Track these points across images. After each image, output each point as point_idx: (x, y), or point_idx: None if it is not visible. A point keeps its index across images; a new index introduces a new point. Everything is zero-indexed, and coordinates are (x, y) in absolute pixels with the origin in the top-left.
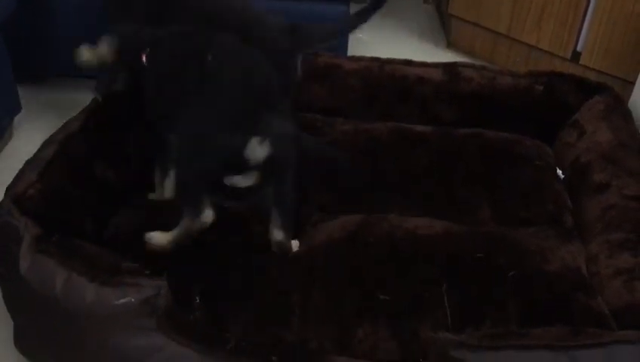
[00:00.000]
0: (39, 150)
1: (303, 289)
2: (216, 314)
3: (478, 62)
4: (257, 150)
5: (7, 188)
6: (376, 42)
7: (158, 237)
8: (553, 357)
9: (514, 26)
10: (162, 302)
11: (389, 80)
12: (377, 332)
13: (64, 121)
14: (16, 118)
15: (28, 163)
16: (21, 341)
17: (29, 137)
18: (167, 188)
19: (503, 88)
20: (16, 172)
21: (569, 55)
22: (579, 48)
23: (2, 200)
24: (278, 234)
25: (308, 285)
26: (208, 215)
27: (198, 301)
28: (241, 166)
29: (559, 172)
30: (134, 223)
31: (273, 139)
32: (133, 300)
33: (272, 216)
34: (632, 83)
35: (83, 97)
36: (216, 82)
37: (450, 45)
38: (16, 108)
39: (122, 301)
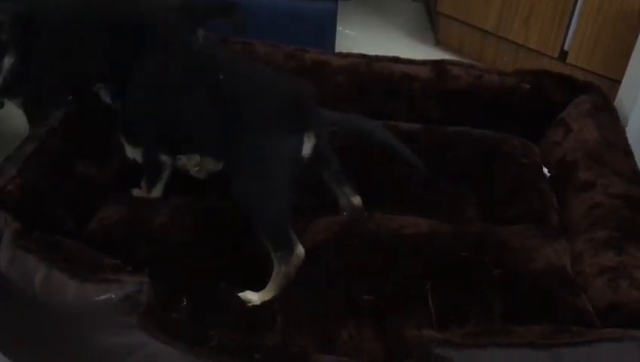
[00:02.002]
0: (19, 146)
1: (286, 291)
2: (199, 316)
3: (466, 60)
4: (307, 145)
5: None
6: (364, 39)
7: (254, 296)
8: (536, 355)
9: (502, 25)
10: (144, 298)
11: (376, 77)
12: (361, 333)
13: None
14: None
15: (7, 159)
16: (1, 340)
17: (12, 132)
18: (157, 188)
19: (491, 86)
20: None
21: (557, 54)
22: (566, 47)
23: None
24: (356, 199)
25: (290, 287)
26: (301, 248)
27: (185, 303)
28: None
29: (545, 170)
30: (116, 219)
31: (317, 128)
32: (114, 296)
33: (341, 188)
34: (619, 82)
35: None
36: (245, 100)
37: (439, 43)
38: None
39: (103, 297)
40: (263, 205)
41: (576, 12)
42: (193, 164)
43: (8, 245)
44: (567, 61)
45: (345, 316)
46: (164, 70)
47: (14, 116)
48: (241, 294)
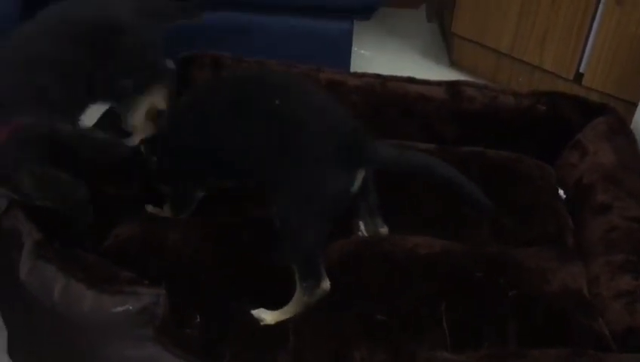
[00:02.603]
0: None
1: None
2: (211, 333)
3: (480, 81)
4: (357, 181)
5: None
6: (379, 58)
7: (267, 315)
8: None
9: (517, 46)
10: (160, 311)
11: (391, 97)
12: (375, 355)
13: None
14: None
15: None
16: (14, 350)
17: None
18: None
19: (506, 107)
20: None
21: (572, 76)
22: (582, 69)
23: (8, 206)
24: (384, 230)
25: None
26: (327, 283)
27: (198, 320)
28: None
29: (561, 192)
30: (130, 235)
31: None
32: (131, 308)
33: (373, 219)
34: (635, 104)
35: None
36: (302, 130)
37: (453, 64)
38: None
39: (120, 309)
40: (301, 235)
41: (592, 34)
42: None
43: (29, 255)
44: (582, 83)
45: (358, 336)
46: (213, 96)
47: None
48: (254, 312)
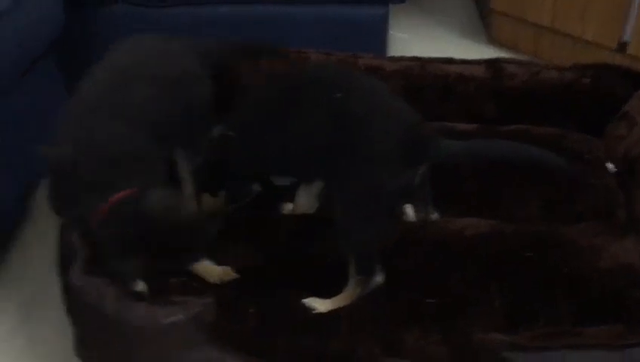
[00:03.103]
0: None
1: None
2: (264, 323)
3: (521, 57)
4: (418, 176)
5: None
6: (416, 41)
7: (319, 304)
8: (608, 357)
9: (557, 18)
10: (210, 317)
11: (430, 79)
12: (427, 337)
13: None
14: None
15: None
16: (80, 349)
17: None
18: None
19: (548, 83)
20: None
21: (615, 45)
22: (625, 38)
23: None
24: (434, 216)
25: None
26: (380, 278)
27: (252, 312)
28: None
29: (609, 165)
30: None
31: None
32: (182, 317)
33: (425, 206)
34: None
35: None
36: (366, 125)
37: (492, 41)
38: None
39: (172, 319)
40: (360, 230)
41: (636, 1)
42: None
43: (79, 270)
44: (627, 52)
45: (409, 320)
46: (276, 93)
47: None
48: (306, 301)
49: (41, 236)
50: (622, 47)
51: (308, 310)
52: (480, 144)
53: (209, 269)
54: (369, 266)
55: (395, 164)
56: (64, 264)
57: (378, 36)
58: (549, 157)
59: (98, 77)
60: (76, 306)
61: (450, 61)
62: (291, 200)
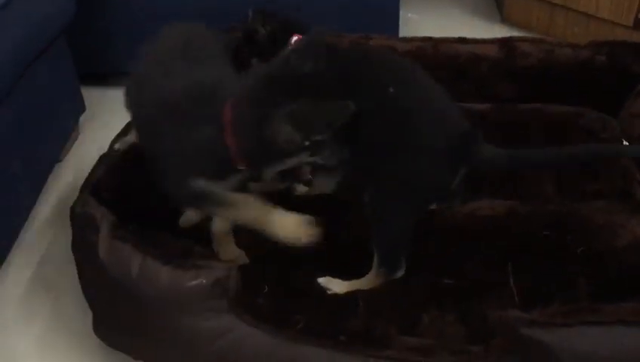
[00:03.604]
0: (111, 145)
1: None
2: (283, 298)
3: (534, 36)
4: (459, 177)
5: (84, 180)
6: (427, 21)
7: (337, 284)
8: (628, 332)
9: None
10: (233, 283)
11: (443, 59)
12: (443, 317)
13: (127, 119)
14: (81, 118)
15: (101, 158)
16: (100, 328)
17: (95, 136)
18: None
19: (563, 61)
20: (85, 170)
21: (631, 22)
22: None
23: (80, 193)
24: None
25: None
26: (402, 272)
27: (266, 290)
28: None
29: (626, 144)
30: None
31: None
32: (205, 281)
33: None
34: None
35: None
36: (414, 122)
37: (505, 19)
38: (80, 109)
39: (194, 282)
40: (391, 225)
41: None
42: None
43: (106, 236)
44: None
45: (426, 300)
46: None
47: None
48: (321, 280)
49: (57, 217)
50: (637, 24)
51: (324, 290)
52: (522, 153)
53: (228, 247)
54: (394, 262)
55: (437, 162)
56: (82, 238)
57: (389, 17)
58: (595, 149)
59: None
60: (97, 282)
61: (462, 41)
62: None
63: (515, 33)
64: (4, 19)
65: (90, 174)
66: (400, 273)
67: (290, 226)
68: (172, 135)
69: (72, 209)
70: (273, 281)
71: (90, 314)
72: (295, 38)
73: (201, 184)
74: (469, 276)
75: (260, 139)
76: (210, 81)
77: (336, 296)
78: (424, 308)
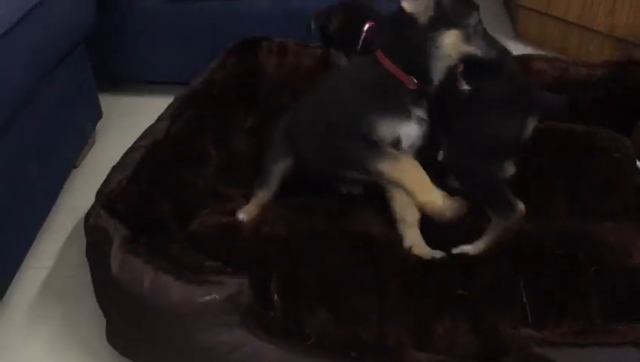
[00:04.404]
0: (125, 155)
1: (380, 286)
2: (295, 313)
3: (547, 53)
4: (529, 127)
5: (97, 193)
6: None
7: (470, 248)
8: (639, 355)
9: (586, 14)
10: (244, 298)
11: None
12: (456, 328)
13: (143, 126)
14: (98, 124)
15: (115, 168)
16: (113, 337)
17: (111, 142)
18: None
19: (577, 79)
20: (100, 176)
21: None
22: None
23: (92, 205)
24: (512, 169)
25: (385, 282)
26: (521, 205)
27: (276, 299)
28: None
29: (639, 164)
30: (213, 221)
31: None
32: (217, 297)
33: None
34: None
35: (160, 102)
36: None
37: (518, 36)
38: (97, 115)
39: (207, 298)
40: (474, 175)
41: None
42: None
43: (118, 250)
44: None
45: (440, 310)
46: None
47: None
48: (455, 249)
49: (72, 223)
50: None
51: (337, 298)
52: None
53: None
54: (501, 201)
55: (505, 113)
56: (96, 250)
57: None
58: None
59: None
60: (110, 292)
61: None
62: None
63: (528, 50)
64: (26, 28)
65: (104, 185)
66: (520, 206)
67: (438, 197)
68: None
69: (86, 219)
70: (282, 290)
71: (103, 321)
72: (367, 26)
73: (387, 124)
74: (482, 288)
75: (418, 44)
76: None
77: (351, 305)
78: (438, 318)
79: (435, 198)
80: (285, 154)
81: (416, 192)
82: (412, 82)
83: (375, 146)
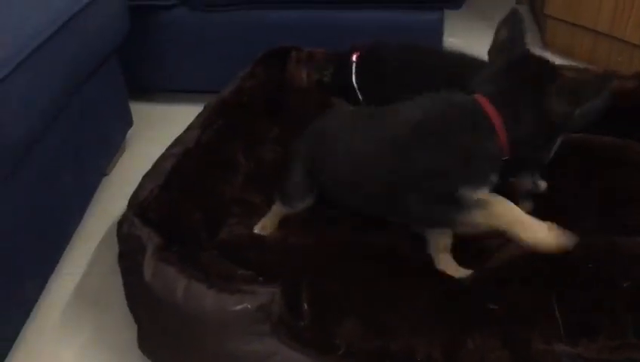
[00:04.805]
0: (156, 163)
1: (411, 298)
2: (324, 323)
3: (576, 63)
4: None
5: (129, 201)
6: (469, 45)
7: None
8: None
9: (616, 25)
10: (276, 308)
11: None
12: (488, 342)
13: (173, 135)
14: (128, 133)
15: (147, 175)
16: (144, 344)
17: (141, 151)
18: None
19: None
20: (130, 184)
21: None
22: None
23: (125, 212)
24: (543, 184)
25: (416, 295)
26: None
27: (306, 308)
28: None
29: None
30: (243, 232)
31: None
32: (249, 306)
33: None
34: None
35: (189, 111)
36: None
37: (547, 46)
38: (128, 123)
39: (239, 307)
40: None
41: None
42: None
43: (151, 258)
44: None
45: (470, 324)
46: None
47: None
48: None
49: (104, 230)
50: None
51: (366, 307)
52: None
53: (450, 265)
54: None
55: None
56: (128, 257)
57: (433, 40)
58: None
59: None
60: (142, 300)
61: None
62: None
63: (556, 60)
64: (64, 39)
65: (136, 193)
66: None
67: (543, 231)
68: (432, 154)
69: (119, 227)
70: (313, 300)
71: (134, 328)
72: (356, 56)
73: (466, 192)
74: (513, 303)
75: (536, 120)
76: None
77: (380, 317)
78: (468, 332)
79: (540, 233)
80: (307, 192)
81: (519, 233)
82: (512, 153)
83: (458, 200)
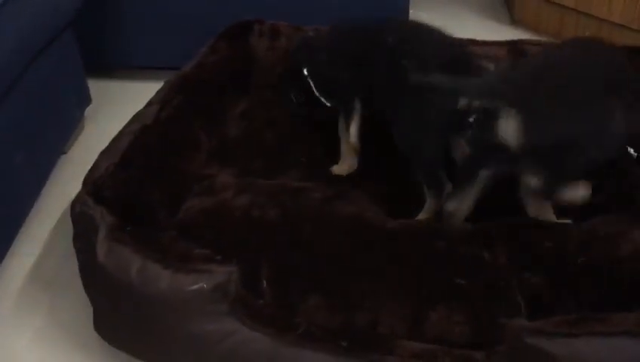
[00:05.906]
0: (113, 141)
1: (376, 272)
2: (285, 299)
3: (544, 39)
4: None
5: (83, 180)
6: (437, 21)
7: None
8: (634, 343)
9: (582, 0)
10: (233, 287)
11: None
12: (451, 316)
13: (133, 112)
14: (87, 110)
15: (103, 153)
16: (100, 325)
17: (101, 128)
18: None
19: None
20: (89, 163)
21: None
22: None
23: (79, 192)
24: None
25: (380, 269)
26: (449, 185)
27: (265, 285)
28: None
29: (631, 150)
30: (201, 207)
31: None
32: (205, 286)
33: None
34: None
35: (150, 87)
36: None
37: (515, 22)
38: (86, 101)
39: (195, 287)
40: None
41: None
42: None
43: (104, 238)
44: None
45: (435, 298)
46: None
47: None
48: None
49: (60, 210)
50: None
51: (328, 283)
52: None
53: None
54: (434, 180)
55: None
56: (82, 238)
57: (398, 15)
58: None
59: None
60: (97, 281)
61: (471, 42)
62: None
63: (524, 35)
64: (12, 11)
65: (90, 172)
66: (448, 187)
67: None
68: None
69: (72, 206)
70: (272, 276)
71: (90, 310)
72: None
73: None
74: (479, 279)
75: None
76: None
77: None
78: (433, 306)
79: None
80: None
81: None
82: None
83: None
